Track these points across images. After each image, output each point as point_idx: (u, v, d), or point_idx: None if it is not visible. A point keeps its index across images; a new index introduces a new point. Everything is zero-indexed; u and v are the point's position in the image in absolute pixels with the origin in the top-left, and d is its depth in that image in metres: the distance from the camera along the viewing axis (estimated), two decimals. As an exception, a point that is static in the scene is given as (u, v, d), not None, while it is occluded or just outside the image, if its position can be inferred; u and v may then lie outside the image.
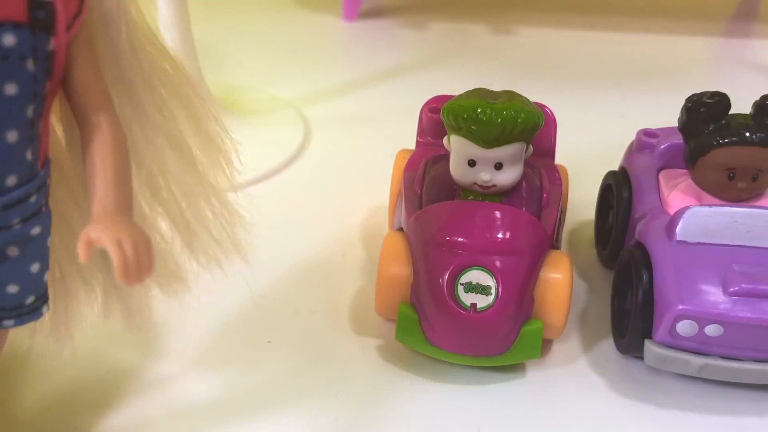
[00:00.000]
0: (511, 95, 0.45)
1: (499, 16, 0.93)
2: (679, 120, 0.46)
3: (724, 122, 0.44)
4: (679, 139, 0.48)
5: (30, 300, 0.32)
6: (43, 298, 0.33)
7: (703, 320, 0.40)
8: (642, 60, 0.84)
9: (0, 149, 0.28)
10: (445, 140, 0.47)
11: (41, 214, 0.31)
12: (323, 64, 0.83)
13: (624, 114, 0.72)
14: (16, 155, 0.29)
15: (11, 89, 0.27)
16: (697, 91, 0.45)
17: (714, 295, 0.40)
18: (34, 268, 0.32)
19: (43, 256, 0.32)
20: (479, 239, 0.43)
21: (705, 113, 0.44)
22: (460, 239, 0.43)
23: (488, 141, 0.43)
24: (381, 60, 0.83)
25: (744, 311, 0.39)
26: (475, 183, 0.45)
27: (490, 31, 0.90)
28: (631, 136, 0.54)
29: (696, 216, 0.42)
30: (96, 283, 0.37)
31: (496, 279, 0.42)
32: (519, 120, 0.43)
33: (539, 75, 0.80)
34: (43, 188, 0.31)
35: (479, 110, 0.43)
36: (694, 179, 0.46)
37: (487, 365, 0.44)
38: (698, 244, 0.42)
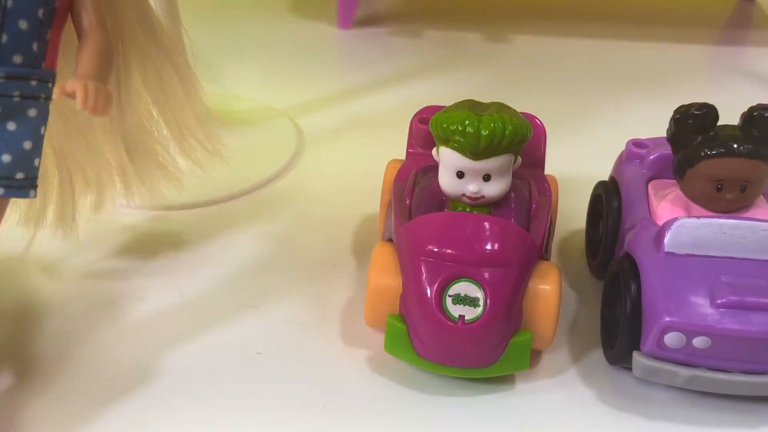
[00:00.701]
0: (499, 107, 0.45)
1: (493, 24, 0.93)
2: (668, 131, 0.46)
3: (712, 134, 0.44)
4: (668, 149, 0.48)
5: (20, 175, 0.39)
6: (32, 182, 0.39)
7: (690, 332, 0.40)
8: (635, 68, 0.84)
9: (13, 32, 0.37)
10: (434, 151, 0.47)
11: (39, 103, 0.39)
12: (317, 72, 0.83)
13: (616, 123, 0.72)
14: (25, 41, 0.38)
15: None
16: (691, 99, 0.45)
17: (702, 306, 0.40)
18: (27, 145, 0.39)
19: (36, 139, 0.39)
20: (467, 251, 0.43)
21: (693, 124, 0.44)
22: (449, 251, 0.43)
23: (476, 153, 0.44)
24: (375, 68, 0.84)
25: (731, 323, 0.39)
26: (463, 194, 0.45)
27: (483, 39, 0.90)
28: (623, 146, 0.54)
29: (684, 227, 0.42)
30: (93, 181, 0.49)
31: (484, 291, 0.42)
32: (507, 132, 0.43)
33: (532, 83, 0.80)
34: (44, 83, 0.39)
35: (467, 122, 0.43)
36: (682, 190, 0.46)
37: (476, 377, 0.44)
38: (686, 255, 0.42)
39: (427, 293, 0.42)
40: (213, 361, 0.46)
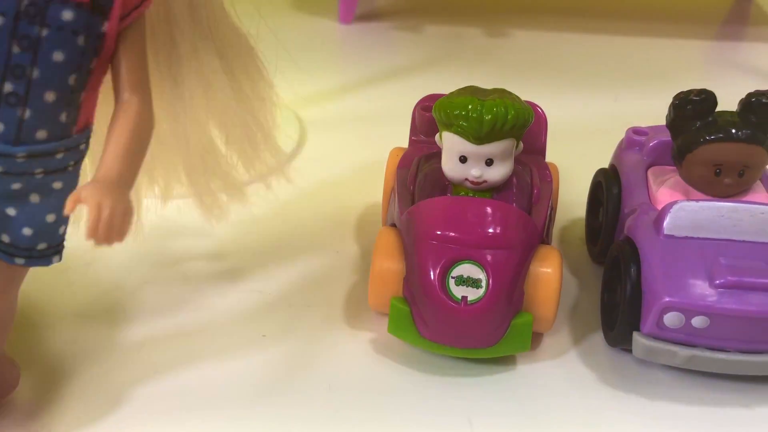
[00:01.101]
0: (501, 93, 0.46)
1: (493, 19, 0.94)
2: (667, 117, 0.47)
3: (710, 119, 0.45)
4: (667, 136, 0.48)
5: (42, 246, 0.35)
6: (55, 249, 0.36)
7: (689, 312, 0.40)
8: (635, 62, 0.85)
9: (38, 106, 0.32)
10: (437, 137, 0.47)
11: (66, 173, 0.34)
12: (319, 66, 0.84)
13: (616, 114, 0.73)
14: (51, 114, 0.32)
15: (59, 56, 0.31)
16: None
17: (700, 287, 0.41)
18: (50, 218, 0.35)
19: (61, 210, 0.34)
20: (470, 233, 0.43)
21: (692, 110, 0.45)
22: (451, 233, 0.43)
23: (479, 137, 0.44)
24: (376, 62, 0.84)
25: (729, 303, 0.40)
26: (466, 179, 0.46)
27: (484, 33, 0.91)
28: (622, 135, 0.54)
29: (683, 210, 0.43)
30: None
31: (486, 272, 0.42)
32: (509, 116, 0.44)
33: (533, 77, 0.81)
34: (73, 150, 0.34)
35: (470, 107, 0.44)
36: (681, 175, 0.47)
37: (478, 357, 0.44)
38: (685, 238, 0.43)
39: (430, 275, 0.43)
40: (219, 343, 0.46)
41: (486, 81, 0.79)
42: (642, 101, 0.76)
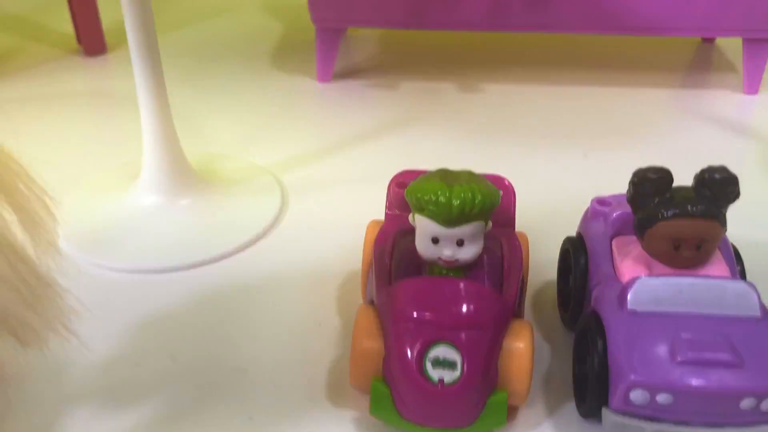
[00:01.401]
0: (469, 177, 0.48)
1: (466, 74, 0.97)
2: (627, 193, 0.49)
3: (668, 195, 0.47)
4: (629, 206, 0.51)
5: None
6: None
7: (653, 389, 0.42)
8: (604, 113, 0.88)
9: None
10: (410, 217, 0.50)
11: None
12: (299, 127, 0.86)
13: (585, 172, 0.75)
14: None
15: None
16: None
17: (663, 364, 0.43)
18: None
19: None
20: (444, 315, 0.45)
21: (650, 188, 0.47)
22: (427, 315, 0.45)
23: (449, 221, 0.46)
24: (355, 120, 0.87)
25: (691, 379, 0.42)
26: (439, 258, 0.48)
27: (457, 89, 0.93)
28: (593, 193, 0.56)
29: (645, 286, 0.45)
30: None
31: (461, 353, 0.44)
32: (476, 201, 0.46)
33: (505, 132, 0.83)
34: None
35: (439, 192, 0.46)
36: (644, 248, 0.49)
37: (457, 435, 0.46)
38: (648, 313, 0.45)
39: (407, 358, 0.44)
40: (206, 426, 0.48)
41: (459, 137, 0.82)
42: (610, 156, 0.78)
